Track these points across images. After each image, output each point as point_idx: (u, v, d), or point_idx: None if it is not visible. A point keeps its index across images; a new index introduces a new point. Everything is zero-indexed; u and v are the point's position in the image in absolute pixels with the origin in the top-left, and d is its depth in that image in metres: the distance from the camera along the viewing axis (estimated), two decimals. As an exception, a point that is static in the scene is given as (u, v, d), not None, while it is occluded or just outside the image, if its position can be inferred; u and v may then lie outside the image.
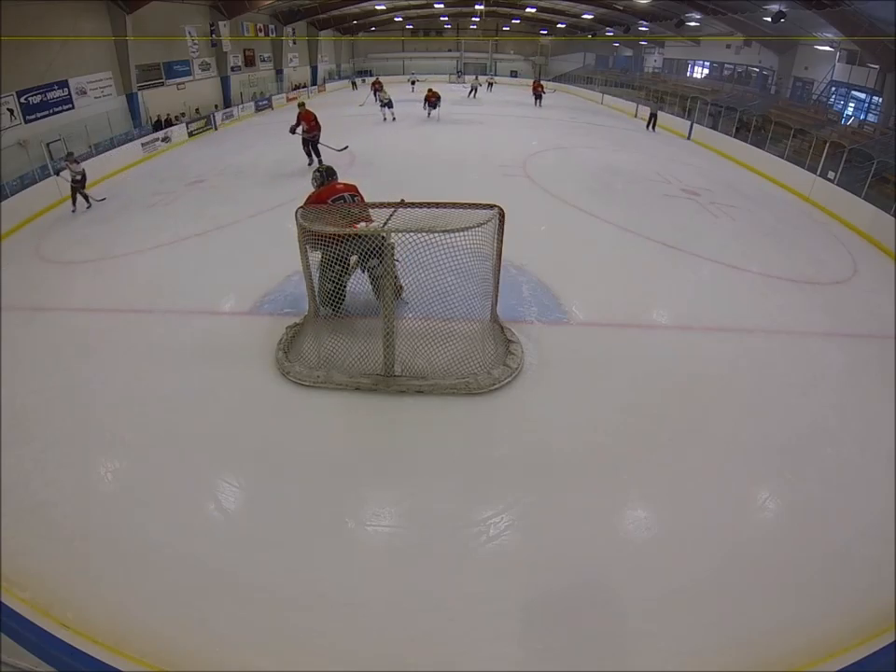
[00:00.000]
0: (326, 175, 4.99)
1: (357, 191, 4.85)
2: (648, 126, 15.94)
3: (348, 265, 4.25)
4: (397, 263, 3.85)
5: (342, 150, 9.38)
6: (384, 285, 3.75)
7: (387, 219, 3.84)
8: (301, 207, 4.06)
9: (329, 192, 4.77)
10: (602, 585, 2.69)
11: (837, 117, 14.80)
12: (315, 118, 9.81)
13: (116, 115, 13.50)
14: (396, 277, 4.14)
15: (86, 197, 8.30)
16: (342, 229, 4.01)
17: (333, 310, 4.45)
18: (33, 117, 11.27)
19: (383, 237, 3.63)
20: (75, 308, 5.31)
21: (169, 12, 15.74)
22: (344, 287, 4.49)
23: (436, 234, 3.60)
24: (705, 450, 3.54)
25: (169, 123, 14.82)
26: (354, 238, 3.89)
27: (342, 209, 4.36)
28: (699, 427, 3.74)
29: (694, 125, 15.34)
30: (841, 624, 2.48)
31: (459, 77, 32.70)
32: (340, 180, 4.99)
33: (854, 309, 5.54)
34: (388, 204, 4.08)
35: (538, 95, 21.25)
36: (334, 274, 4.26)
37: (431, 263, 3.69)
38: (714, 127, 14.65)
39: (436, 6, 28.07)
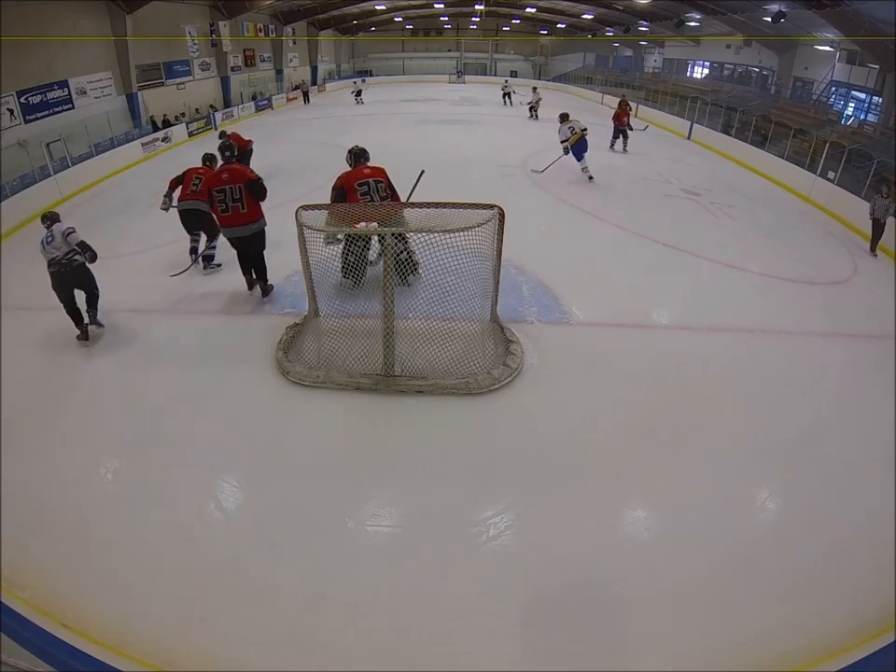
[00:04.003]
0: (356, 157, 5.13)
1: (384, 175, 4.99)
2: (873, 249, 7.22)
3: (370, 242, 4.42)
4: (411, 243, 4.00)
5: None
6: (386, 284, 3.75)
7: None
8: (301, 207, 4.06)
9: (356, 177, 4.94)
10: (602, 585, 2.69)
11: (837, 117, 14.81)
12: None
13: (116, 115, 13.51)
14: (411, 253, 4.24)
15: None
16: (342, 229, 4.03)
17: (354, 282, 4.56)
18: (33, 117, 11.28)
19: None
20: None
21: (169, 12, 15.74)
22: (366, 260, 4.63)
23: (436, 234, 3.60)
24: (705, 450, 3.54)
25: (167, 124, 14.79)
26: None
27: (342, 209, 4.37)
28: (699, 427, 3.74)
29: (694, 125, 15.33)
30: (841, 624, 2.48)
31: (459, 77, 32.64)
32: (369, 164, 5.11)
33: (854, 309, 5.54)
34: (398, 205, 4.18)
35: (621, 131, 12.12)
36: (356, 248, 4.33)
37: (431, 263, 3.70)
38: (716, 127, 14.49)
39: (436, 6, 28.05)
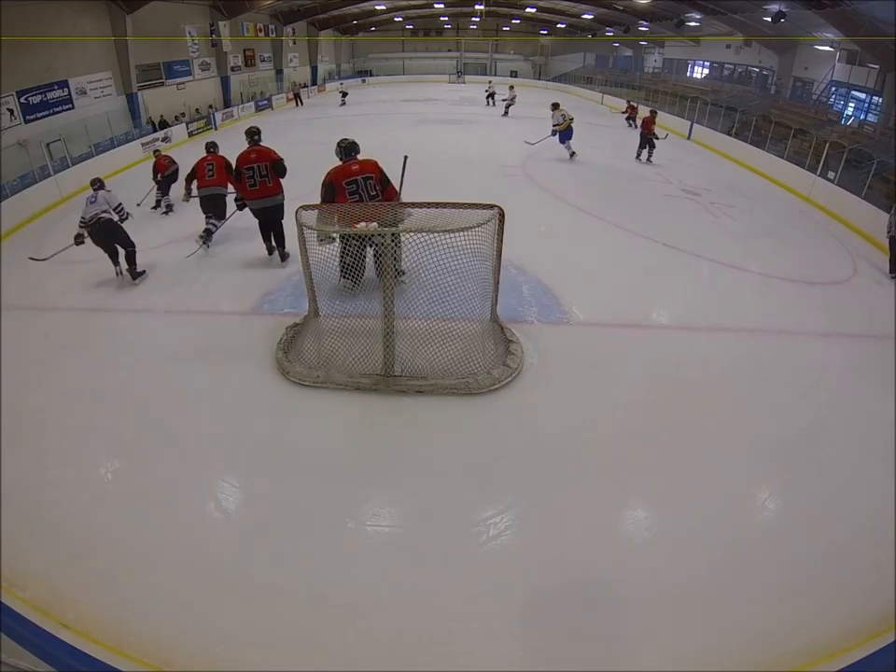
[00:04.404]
0: (345, 152, 5.01)
1: (375, 169, 4.88)
2: (893, 271, 6.41)
3: (365, 240, 4.33)
4: (401, 249, 3.92)
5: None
6: (386, 284, 3.75)
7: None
8: (301, 207, 4.07)
9: (344, 174, 4.84)
10: (602, 585, 2.69)
11: (837, 117, 14.81)
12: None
13: (116, 115, 13.51)
14: (398, 260, 4.17)
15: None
16: (342, 228, 4.03)
17: (353, 282, 4.53)
18: (33, 117, 11.29)
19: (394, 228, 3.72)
20: (75, 308, 5.31)
21: (169, 12, 15.76)
22: (363, 259, 4.58)
23: (436, 234, 3.60)
24: (705, 450, 3.54)
25: (164, 125, 14.73)
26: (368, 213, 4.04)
27: (342, 209, 4.37)
28: (699, 427, 3.73)
29: (694, 125, 15.33)
30: (841, 624, 2.48)
31: (459, 77, 32.65)
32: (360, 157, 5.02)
33: (854, 309, 5.54)
34: (397, 205, 4.14)
35: (647, 141, 11.45)
36: (353, 248, 4.29)
37: (431, 263, 3.69)
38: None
39: (436, 6, 28.07)
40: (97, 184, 5.76)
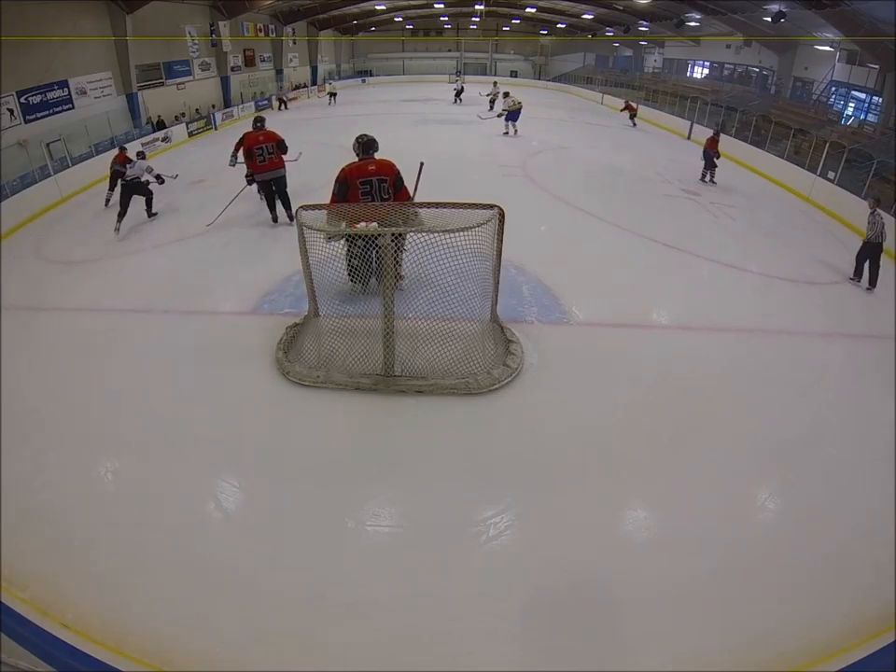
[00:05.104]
0: (364, 148, 4.86)
1: (391, 171, 4.76)
2: (859, 276, 6.20)
3: (371, 241, 4.24)
4: (403, 253, 3.90)
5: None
6: (386, 285, 3.75)
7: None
8: (302, 207, 4.07)
9: (359, 173, 4.73)
10: (602, 585, 2.69)
11: (837, 117, 14.81)
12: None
13: (116, 115, 13.51)
14: (398, 263, 4.13)
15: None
16: (343, 229, 4.03)
17: (362, 284, 4.53)
18: (33, 117, 11.27)
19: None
20: (75, 308, 5.31)
21: (169, 12, 15.73)
22: (371, 262, 4.46)
23: (436, 234, 3.61)
24: (705, 450, 3.54)
25: (161, 126, 14.65)
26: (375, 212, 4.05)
27: (343, 210, 4.36)
28: (699, 427, 3.74)
29: (694, 125, 15.33)
30: (841, 624, 2.48)
31: (458, 76, 32.63)
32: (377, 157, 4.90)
33: (854, 309, 5.54)
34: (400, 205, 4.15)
35: (711, 161, 10.34)
36: (359, 250, 4.24)
37: (431, 263, 3.70)
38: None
39: (436, 6, 28.03)
40: (141, 155, 7.71)
